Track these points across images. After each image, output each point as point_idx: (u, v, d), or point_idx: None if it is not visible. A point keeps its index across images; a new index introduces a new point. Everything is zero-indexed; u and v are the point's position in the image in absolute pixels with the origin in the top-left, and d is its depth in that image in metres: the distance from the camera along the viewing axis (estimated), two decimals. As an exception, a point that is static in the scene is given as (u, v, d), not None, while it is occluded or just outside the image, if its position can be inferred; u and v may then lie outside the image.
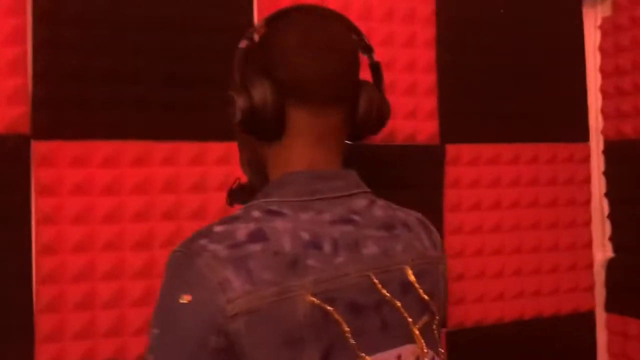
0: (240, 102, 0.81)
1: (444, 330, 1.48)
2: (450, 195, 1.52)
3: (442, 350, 0.84)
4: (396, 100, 1.47)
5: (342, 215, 0.79)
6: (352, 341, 0.73)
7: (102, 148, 1.25)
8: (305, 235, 0.75)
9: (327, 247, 0.75)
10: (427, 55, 1.50)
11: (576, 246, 1.62)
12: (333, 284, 0.74)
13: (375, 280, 0.77)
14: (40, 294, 1.21)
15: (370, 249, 0.79)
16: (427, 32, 1.50)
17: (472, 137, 1.53)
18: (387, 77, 1.38)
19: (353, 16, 1.36)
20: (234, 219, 0.78)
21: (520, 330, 1.55)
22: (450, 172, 1.51)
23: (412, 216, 0.89)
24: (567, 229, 1.62)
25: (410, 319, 0.78)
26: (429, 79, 1.50)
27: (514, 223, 1.57)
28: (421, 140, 1.49)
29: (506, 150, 1.56)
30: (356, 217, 0.80)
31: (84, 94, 1.24)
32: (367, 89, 0.89)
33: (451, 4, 1.51)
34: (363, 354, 0.74)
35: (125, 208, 1.27)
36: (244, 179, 0.95)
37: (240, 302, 0.69)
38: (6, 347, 1.18)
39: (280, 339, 0.71)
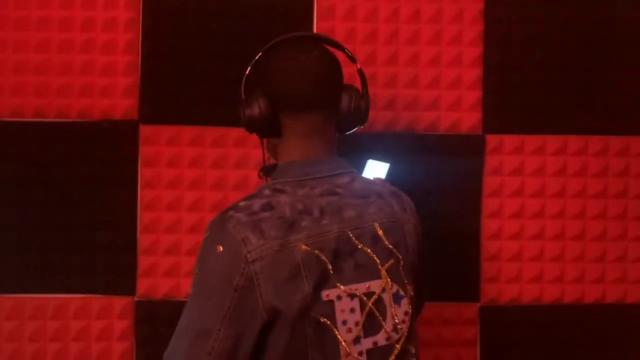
0: (244, 114, 1.14)
1: (477, 305, 1.63)
2: (490, 182, 1.63)
3: (410, 287, 1.08)
4: (441, 93, 1.63)
5: (329, 189, 1.08)
6: (333, 276, 1.02)
7: (189, 132, 1.63)
8: (300, 205, 1.05)
9: (316, 213, 1.05)
10: (473, 52, 1.63)
11: (626, 238, 1.63)
12: (320, 237, 1.03)
13: (351, 235, 1.05)
14: (142, 239, 1.63)
15: (349, 213, 1.06)
16: (474, 31, 1.63)
17: (515, 128, 1.63)
18: (433, 71, 1.60)
19: (403, 17, 1.60)
20: (253, 196, 1.09)
21: (558, 314, 1.63)
22: (491, 161, 1.63)
23: (386, 188, 1.16)
24: (615, 220, 1.63)
25: (378, 261, 1.05)
26: (475, 74, 1.63)
27: (558, 210, 1.63)
28: (463, 130, 1.63)
29: (551, 141, 1.64)
30: (340, 190, 1.09)
31: (177, 91, 1.62)
32: (347, 92, 1.15)
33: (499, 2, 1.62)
34: (339, 284, 1.02)
35: (206, 179, 1.63)
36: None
37: (255, 252, 1.01)
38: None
39: (286, 275, 1.01)
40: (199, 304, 1.03)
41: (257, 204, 1.05)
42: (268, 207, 1.04)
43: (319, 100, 1.11)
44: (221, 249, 1.02)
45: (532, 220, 1.64)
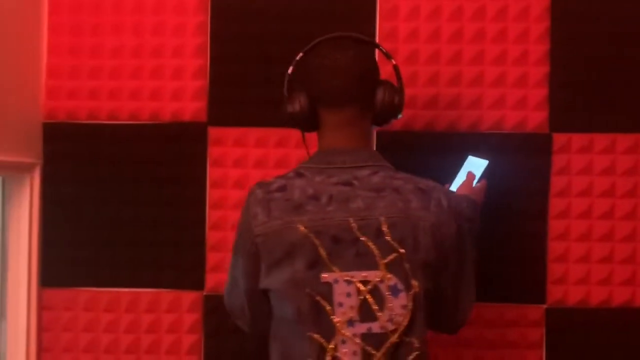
0: (286, 110, 1.23)
1: (543, 307, 1.61)
2: (557, 182, 1.60)
3: (416, 283, 1.12)
4: (506, 91, 1.62)
5: (345, 179, 1.16)
6: (327, 260, 1.10)
7: (255, 133, 1.67)
8: (310, 190, 1.14)
9: (324, 199, 1.14)
10: (539, 49, 1.61)
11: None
12: (321, 222, 1.12)
13: (353, 224, 1.11)
14: (210, 236, 1.68)
15: (357, 204, 1.13)
16: (540, 27, 1.61)
17: (584, 126, 1.60)
18: (498, 69, 1.59)
19: (467, 15, 1.60)
20: (282, 176, 1.20)
21: (627, 317, 1.58)
22: (558, 160, 1.60)
23: (409, 185, 1.17)
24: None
25: (377, 254, 1.11)
26: (541, 71, 1.61)
27: (629, 211, 1.59)
28: (529, 129, 1.61)
29: (622, 139, 1.59)
30: (355, 182, 1.15)
31: (244, 93, 1.67)
32: (382, 87, 1.21)
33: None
34: (336, 269, 1.10)
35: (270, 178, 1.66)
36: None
37: (260, 228, 1.14)
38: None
39: (283, 251, 1.12)
40: (233, 257, 1.23)
41: (277, 183, 1.17)
42: (283, 188, 1.15)
43: (352, 96, 1.18)
44: (241, 220, 1.19)
45: (601, 220, 1.60)
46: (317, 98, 1.19)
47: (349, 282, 1.10)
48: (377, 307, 1.10)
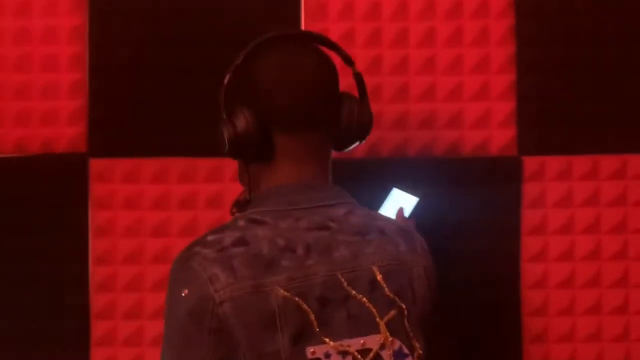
0: (226, 133, 0.97)
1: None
2: (530, 216, 1.40)
3: (418, 344, 0.95)
4: (463, 105, 1.41)
5: (318, 222, 0.96)
6: (317, 328, 0.90)
7: (151, 165, 1.40)
8: (281, 241, 0.94)
9: (300, 251, 0.94)
10: (502, 53, 1.40)
11: None
12: (303, 281, 0.92)
13: (342, 279, 0.93)
14: (95, 301, 1.38)
15: (341, 252, 0.96)
16: (503, 26, 1.40)
17: (560, 147, 1.40)
18: (452, 80, 1.40)
19: (414, 13, 1.40)
20: (224, 228, 0.97)
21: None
22: (530, 189, 1.40)
23: (392, 225, 1.03)
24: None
25: (376, 312, 0.93)
26: (506, 79, 1.40)
27: (618, 250, 1.39)
28: (493, 152, 1.41)
29: (607, 161, 1.40)
30: (332, 224, 0.97)
31: (135, 115, 1.41)
32: (347, 103, 1.02)
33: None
34: (327, 339, 0.91)
35: (172, 223, 1.39)
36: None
37: (224, 292, 0.90)
38: (62, 349, 1.38)
39: (258, 323, 0.90)
40: (176, 356, 0.94)
41: (228, 237, 0.94)
42: (242, 241, 0.94)
43: (320, 116, 1.00)
44: (186, 292, 0.92)
45: (586, 262, 1.39)
46: (272, 119, 0.97)
47: (344, 354, 0.92)
48: None
